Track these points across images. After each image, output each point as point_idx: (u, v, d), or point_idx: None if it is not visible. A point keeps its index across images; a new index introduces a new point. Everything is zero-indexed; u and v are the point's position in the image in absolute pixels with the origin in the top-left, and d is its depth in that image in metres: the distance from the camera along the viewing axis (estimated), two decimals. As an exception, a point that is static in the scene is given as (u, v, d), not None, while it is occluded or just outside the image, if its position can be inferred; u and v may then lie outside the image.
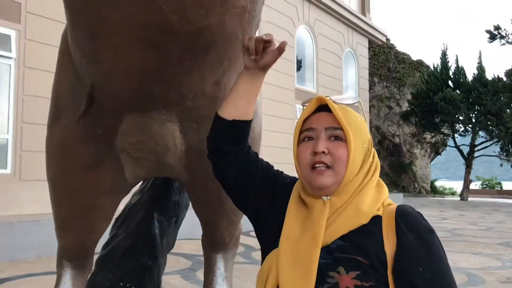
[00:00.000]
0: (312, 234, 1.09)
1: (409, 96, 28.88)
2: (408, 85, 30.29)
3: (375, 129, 30.32)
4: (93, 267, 2.44)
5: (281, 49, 1.24)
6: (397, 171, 30.73)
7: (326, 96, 1.20)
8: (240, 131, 1.28)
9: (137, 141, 1.75)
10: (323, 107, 1.19)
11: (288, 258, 1.10)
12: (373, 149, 1.21)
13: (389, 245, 1.07)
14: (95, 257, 2.46)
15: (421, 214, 1.15)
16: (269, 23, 14.86)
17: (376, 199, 1.14)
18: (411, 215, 1.12)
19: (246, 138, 1.31)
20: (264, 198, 1.27)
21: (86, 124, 1.76)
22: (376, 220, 1.11)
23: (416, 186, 31.56)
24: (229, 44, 1.48)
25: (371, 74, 28.74)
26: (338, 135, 1.13)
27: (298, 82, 16.49)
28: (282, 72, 15.29)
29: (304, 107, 1.22)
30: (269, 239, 1.20)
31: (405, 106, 29.60)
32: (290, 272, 1.08)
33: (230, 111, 1.27)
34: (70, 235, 2.10)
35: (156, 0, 1.25)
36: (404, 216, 1.11)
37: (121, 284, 2.34)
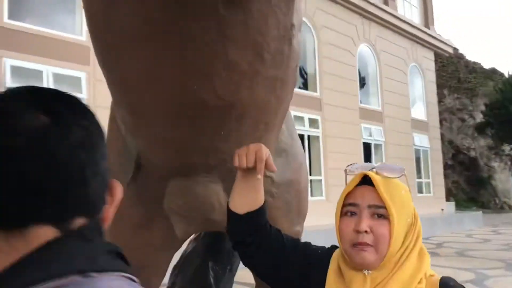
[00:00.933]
0: None
1: (482, 107, 27.49)
2: (481, 95, 28.89)
3: (448, 143, 29.04)
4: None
5: (269, 167, 1.28)
6: (475, 186, 29.11)
7: (372, 169, 1.19)
8: (255, 221, 1.30)
9: (183, 203, 1.80)
10: (367, 179, 1.16)
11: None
12: (416, 218, 1.18)
13: None
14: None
15: (463, 287, 1.13)
16: (328, 45, 14.81)
17: (417, 270, 1.12)
18: None
19: (264, 223, 1.32)
20: (297, 271, 1.27)
21: (135, 188, 1.84)
22: None
23: (497, 201, 29.70)
24: (263, 111, 1.51)
25: (440, 86, 27.70)
26: (382, 214, 1.12)
27: (362, 100, 16.21)
28: (344, 92, 15.12)
29: (348, 175, 1.22)
30: None
31: (479, 117, 28.16)
32: None
33: (240, 205, 1.29)
34: None
35: (187, 82, 1.31)
36: None
37: None
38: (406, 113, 18.22)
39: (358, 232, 1.11)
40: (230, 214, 1.31)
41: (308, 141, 13.98)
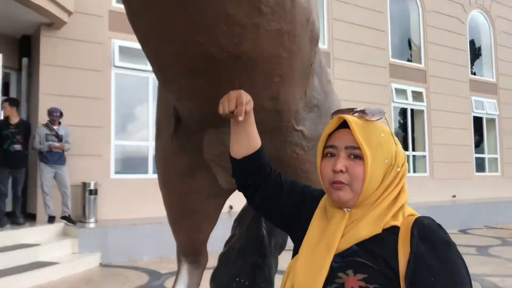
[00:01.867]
0: (328, 242, 1.17)
1: None
2: None
3: None
4: (217, 263, 2.63)
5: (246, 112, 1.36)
6: None
7: (351, 110, 1.23)
8: (252, 164, 1.40)
9: (219, 153, 1.92)
10: (346, 122, 1.21)
11: (304, 262, 1.19)
12: (399, 160, 1.21)
13: (403, 255, 1.10)
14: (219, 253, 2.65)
15: (440, 226, 1.15)
16: (435, 13, 13.92)
17: (390, 206, 1.18)
18: (428, 226, 1.14)
19: (264, 165, 1.42)
20: (291, 213, 1.37)
21: (177, 140, 2.04)
22: (394, 230, 1.15)
23: None
24: (274, 64, 1.58)
25: None
26: (357, 154, 1.17)
27: (473, 72, 15.05)
28: (452, 63, 14.16)
29: (330, 119, 1.26)
30: (296, 248, 1.30)
31: None
32: (304, 274, 1.17)
33: (238, 151, 1.39)
34: (181, 234, 2.35)
35: (194, 36, 1.44)
36: (420, 228, 1.13)
37: (237, 279, 2.49)
38: (525, 85, 16.58)
39: (335, 171, 1.17)
40: (231, 159, 1.42)
41: (411, 115, 13.38)
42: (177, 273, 2.47)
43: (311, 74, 1.89)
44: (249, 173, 1.40)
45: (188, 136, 2.01)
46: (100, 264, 6.93)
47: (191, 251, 2.44)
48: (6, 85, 8.59)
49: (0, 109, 7.55)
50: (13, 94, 8.68)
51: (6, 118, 7.17)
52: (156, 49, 1.60)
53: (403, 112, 13.42)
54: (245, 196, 1.46)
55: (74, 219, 7.55)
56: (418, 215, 1.19)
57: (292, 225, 1.36)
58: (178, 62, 1.57)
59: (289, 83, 1.71)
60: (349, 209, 1.19)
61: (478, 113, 14.90)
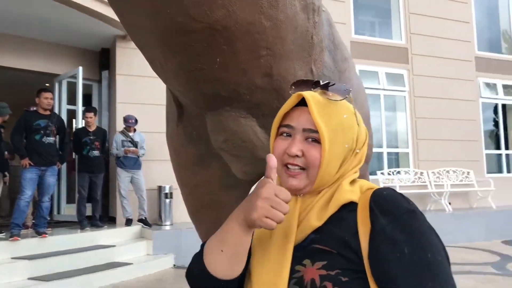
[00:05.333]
0: (284, 232, 1.04)
1: None
2: None
3: None
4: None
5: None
6: None
7: (312, 83, 1.10)
8: None
9: (224, 139, 1.80)
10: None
11: (260, 261, 1.04)
12: (361, 142, 1.10)
13: (364, 232, 0.99)
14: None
15: (402, 195, 1.02)
16: (527, -2, 12.77)
17: (342, 192, 1.05)
18: (387, 197, 1.01)
19: None
20: None
21: (184, 129, 1.97)
22: (352, 207, 1.03)
23: None
24: (256, 34, 1.42)
25: None
26: (315, 138, 1.05)
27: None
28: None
29: (291, 92, 1.12)
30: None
31: None
32: (263, 275, 1.02)
33: (226, 267, 1.02)
34: (202, 228, 2.28)
35: (161, 7, 1.33)
36: (379, 200, 1.01)
37: None
38: None
39: (289, 155, 1.06)
40: (206, 274, 1.04)
41: (503, 111, 12.32)
42: None
43: (316, 49, 1.72)
44: None
45: (192, 123, 1.92)
46: (174, 265, 7.08)
47: None
48: (88, 97, 9.15)
49: (81, 118, 8.04)
50: (94, 104, 9.23)
51: (85, 126, 7.61)
52: (131, 27, 1.53)
53: (494, 107, 12.37)
54: None
55: (151, 222, 7.80)
56: (378, 187, 1.06)
57: None
58: (152, 37, 1.47)
59: (283, 57, 1.56)
60: (302, 195, 1.08)
61: None
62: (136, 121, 7.85)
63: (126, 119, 7.79)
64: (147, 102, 8.41)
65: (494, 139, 12.38)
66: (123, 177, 7.70)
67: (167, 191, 8.15)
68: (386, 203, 1.00)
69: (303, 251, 1.01)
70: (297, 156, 1.04)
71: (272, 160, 0.99)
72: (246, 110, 1.70)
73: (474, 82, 11.73)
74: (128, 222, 7.66)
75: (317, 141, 1.04)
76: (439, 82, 11.20)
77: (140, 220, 7.71)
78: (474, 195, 11.01)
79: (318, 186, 1.06)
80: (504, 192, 11.07)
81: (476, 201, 10.96)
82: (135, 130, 7.89)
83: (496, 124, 12.39)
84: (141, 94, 8.41)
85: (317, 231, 1.02)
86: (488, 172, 11.65)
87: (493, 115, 12.44)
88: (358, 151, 1.10)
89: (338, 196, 1.04)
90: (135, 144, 7.77)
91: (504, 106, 12.36)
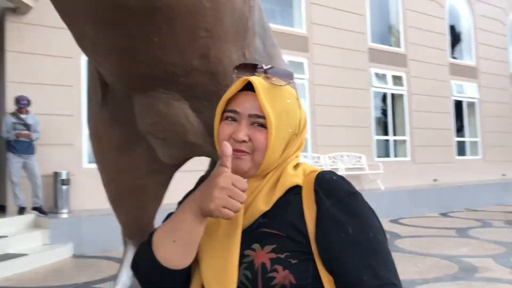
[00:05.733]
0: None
1: None
2: None
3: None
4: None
5: None
6: None
7: (255, 67, 1.10)
8: (180, 281, 1.05)
9: (153, 122, 1.76)
10: (251, 84, 1.07)
11: (208, 247, 1.04)
12: (302, 127, 1.13)
13: (310, 215, 1.02)
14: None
15: (343, 178, 1.08)
16: (414, -4, 13.85)
17: (286, 176, 1.08)
18: (331, 181, 1.06)
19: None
20: None
21: (108, 110, 1.87)
22: (297, 190, 1.07)
23: None
24: (197, 14, 1.41)
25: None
26: (262, 123, 1.06)
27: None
28: (432, 47, 14.10)
29: (236, 77, 1.12)
30: None
31: None
32: (212, 261, 1.02)
33: (176, 256, 1.00)
34: (123, 214, 2.20)
35: None
36: (323, 183, 1.05)
37: None
38: (505, 68, 16.63)
39: (236, 140, 1.06)
40: (154, 262, 1.01)
41: (391, 100, 13.33)
42: (123, 256, 2.30)
43: (249, 34, 1.73)
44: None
45: (118, 104, 1.84)
46: (73, 255, 6.75)
47: (136, 232, 2.27)
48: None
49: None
50: (-21, 83, 8.40)
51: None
52: (59, 2, 1.43)
53: (383, 96, 13.35)
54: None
55: (46, 210, 7.35)
56: (319, 170, 1.11)
57: None
58: (84, 14, 1.38)
59: (220, 39, 1.55)
60: (247, 180, 1.05)
61: (458, 96, 14.91)
62: (29, 102, 7.27)
63: (18, 100, 7.19)
64: (43, 82, 7.85)
65: (382, 126, 13.36)
66: (14, 162, 7.12)
67: (63, 177, 7.72)
68: (330, 186, 1.04)
69: (251, 235, 1.02)
70: (244, 141, 1.05)
71: (228, 148, 0.99)
72: (180, 92, 1.67)
73: (366, 72, 12.52)
74: (21, 210, 7.14)
75: (263, 125, 1.05)
76: (336, 71, 11.81)
77: (34, 208, 7.22)
78: (365, 177, 11.83)
79: (263, 170, 1.07)
80: (391, 174, 12.02)
81: (367, 183, 11.78)
82: (27, 111, 7.32)
83: (384, 112, 13.37)
84: (35, 73, 7.81)
85: (265, 215, 1.04)
86: (378, 157, 12.59)
87: (382, 104, 13.41)
88: (300, 136, 1.12)
89: (284, 180, 1.06)
90: (28, 127, 7.21)
91: (392, 95, 13.35)
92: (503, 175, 15.46)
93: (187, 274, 1.04)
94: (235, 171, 1.03)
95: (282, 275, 0.96)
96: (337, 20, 11.97)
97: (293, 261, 0.98)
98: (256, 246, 1.01)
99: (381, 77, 12.96)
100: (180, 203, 2.53)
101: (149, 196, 2.11)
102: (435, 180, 13.37)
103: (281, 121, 1.06)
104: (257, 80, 1.06)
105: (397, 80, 13.34)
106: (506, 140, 16.13)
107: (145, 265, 1.04)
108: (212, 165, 2.57)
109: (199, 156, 2.17)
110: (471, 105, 15.44)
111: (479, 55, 15.73)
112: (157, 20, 1.36)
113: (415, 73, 13.60)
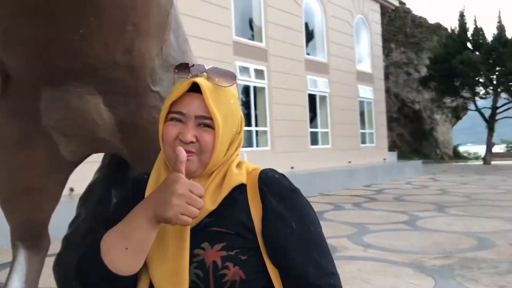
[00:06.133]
0: None
1: (427, 61, 28.10)
2: (426, 49, 29.52)
3: (394, 96, 29.76)
4: (60, 247, 2.41)
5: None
6: (418, 139, 30.23)
7: (202, 73, 1.12)
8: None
9: (62, 117, 1.66)
10: (196, 85, 1.09)
11: (157, 250, 1.04)
12: (242, 127, 1.17)
13: (256, 212, 1.09)
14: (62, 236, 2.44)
15: (283, 175, 1.16)
16: (274, -6, 14.56)
17: (231, 175, 1.12)
18: (274, 179, 1.14)
19: None
20: None
21: (6, 103, 1.70)
22: (242, 188, 1.12)
23: (438, 152, 31.05)
24: (126, 8, 1.36)
25: (387, 40, 28.10)
26: (208, 124, 1.08)
27: (308, 52, 16.21)
28: (290, 43, 15.02)
29: (178, 77, 1.12)
30: None
31: (423, 71, 28.86)
32: (163, 264, 1.03)
33: (128, 263, 1.00)
34: (16, 214, 2.05)
35: None
36: (266, 181, 1.12)
37: None
38: (351, 65, 18.42)
39: (183, 142, 1.06)
40: (102, 266, 1.00)
41: (254, 92, 13.92)
42: (13, 261, 2.16)
43: (167, 28, 1.69)
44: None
45: (19, 97, 1.69)
46: None
47: (29, 234, 2.12)
48: None
49: None
50: None
51: None
52: None
53: (246, 89, 13.88)
54: None
55: None
56: (260, 168, 1.17)
57: None
58: None
59: (145, 34, 1.49)
60: (192, 179, 1.07)
61: (312, 90, 16.13)
62: None
63: None
64: None
65: (246, 117, 13.90)
66: None
67: None
68: (274, 184, 1.11)
69: (199, 234, 1.04)
70: (191, 142, 1.06)
71: (182, 154, 1.00)
72: (95, 86, 1.59)
73: (232, 65, 12.89)
74: None
75: (209, 126, 1.07)
76: (204, 63, 11.92)
77: None
78: (229, 167, 12.19)
79: (209, 170, 1.09)
80: (253, 163, 12.50)
81: (231, 172, 12.16)
82: None
83: (247, 104, 13.92)
84: None
85: (211, 214, 1.06)
86: (242, 147, 13.05)
87: (245, 96, 13.93)
88: (239, 135, 1.16)
89: (230, 179, 1.10)
90: None
91: (255, 88, 13.95)
92: (349, 162, 17.18)
93: (136, 278, 1.04)
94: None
95: (232, 271, 1.01)
96: (203, 12, 12.09)
97: (242, 258, 1.03)
98: (205, 245, 1.03)
99: (245, 70, 13.46)
100: (82, 198, 2.46)
101: (47, 195, 1.99)
102: (292, 167, 14.34)
103: (227, 122, 1.08)
104: (202, 81, 1.07)
105: (259, 73, 13.97)
106: (351, 130, 17.94)
107: (90, 273, 1.02)
108: (112, 160, 2.50)
109: (104, 152, 2.09)
110: (322, 98, 16.82)
111: (330, 52, 17.17)
112: (85, 11, 1.29)
113: (275, 67, 14.37)
